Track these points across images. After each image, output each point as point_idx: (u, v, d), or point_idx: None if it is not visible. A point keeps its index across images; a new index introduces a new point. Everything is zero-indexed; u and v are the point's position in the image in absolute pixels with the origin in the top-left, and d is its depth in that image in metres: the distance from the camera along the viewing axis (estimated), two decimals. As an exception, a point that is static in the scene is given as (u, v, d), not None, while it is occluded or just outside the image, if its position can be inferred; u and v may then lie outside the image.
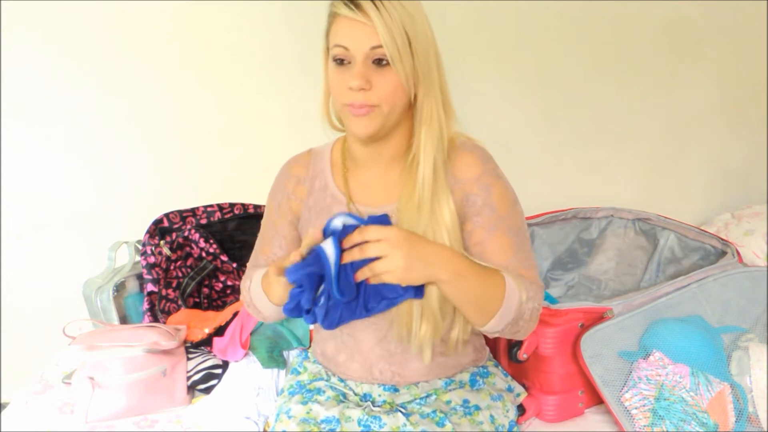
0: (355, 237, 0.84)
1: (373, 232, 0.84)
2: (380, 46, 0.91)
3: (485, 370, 1.15)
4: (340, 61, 0.94)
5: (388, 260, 0.83)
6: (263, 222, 1.15)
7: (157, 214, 1.52)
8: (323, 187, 1.09)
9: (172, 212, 1.54)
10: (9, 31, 1.67)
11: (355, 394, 1.09)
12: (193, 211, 1.57)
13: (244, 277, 1.14)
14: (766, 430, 1.09)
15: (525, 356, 1.19)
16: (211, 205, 1.59)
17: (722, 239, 1.53)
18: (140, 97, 1.79)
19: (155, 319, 1.45)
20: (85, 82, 1.75)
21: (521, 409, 1.20)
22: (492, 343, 1.29)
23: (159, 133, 1.83)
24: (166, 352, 1.27)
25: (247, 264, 1.17)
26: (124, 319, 1.48)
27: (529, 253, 1.02)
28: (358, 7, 0.91)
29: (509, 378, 1.19)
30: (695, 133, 2.21)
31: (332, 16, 0.96)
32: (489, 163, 1.04)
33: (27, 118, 1.75)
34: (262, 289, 1.03)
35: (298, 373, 1.19)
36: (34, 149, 1.78)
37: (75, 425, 1.22)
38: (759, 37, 2.15)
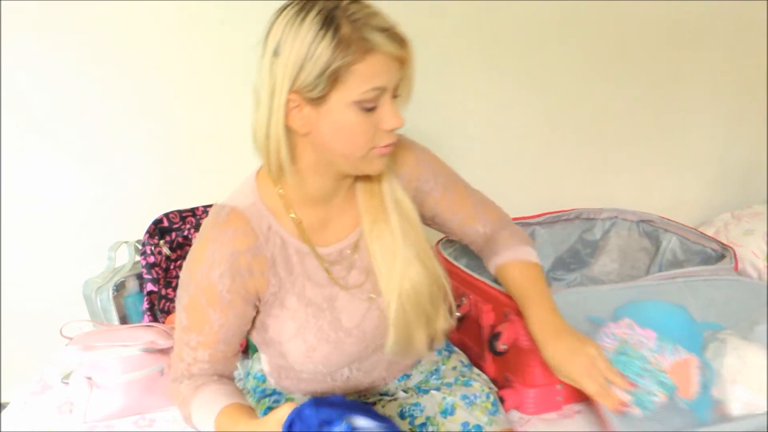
0: None
1: None
2: (400, 79, 0.84)
3: (449, 350, 1.24)
4: (370, 106, 0.82)
5: None
6: (191, 323, 0.91)
7: (157, 214, 1.52)
8: (282, 245, 0.93)
9: (172, 212, 1.54)
10: (9, 31, 1.67)
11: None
12: (193, 211, 1.57)
13: (174, 387, 0.95)
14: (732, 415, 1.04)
15: (504, 347, 1.17)
16: (211, 205, 1.58)
17: (723, 244, 1.53)
18: (140, 96, 1.79)
19: (155, 319, 1.45)
20: (85, 81, 1.75)
21: (501, 401, 1.20)
22: (475, 337, 1.31)
23: (159, 133, 1.83)
24: (163, 351, 1.27)
25: (173, 363, 0.97)
26: (124, 319, 1.48)
27: (484, 196, 1.13)
28: (402, 42, 0.80)
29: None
30: (695, 133, 2.20)
31: (364, 52, 0.78)
32: (408, 142, 1.05)
33: (27, 117, 1.75)
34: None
35: None
36: (34, 148, 1.78)
37: (74, 425, 1.22)
38: (759, 37, 2.15)
